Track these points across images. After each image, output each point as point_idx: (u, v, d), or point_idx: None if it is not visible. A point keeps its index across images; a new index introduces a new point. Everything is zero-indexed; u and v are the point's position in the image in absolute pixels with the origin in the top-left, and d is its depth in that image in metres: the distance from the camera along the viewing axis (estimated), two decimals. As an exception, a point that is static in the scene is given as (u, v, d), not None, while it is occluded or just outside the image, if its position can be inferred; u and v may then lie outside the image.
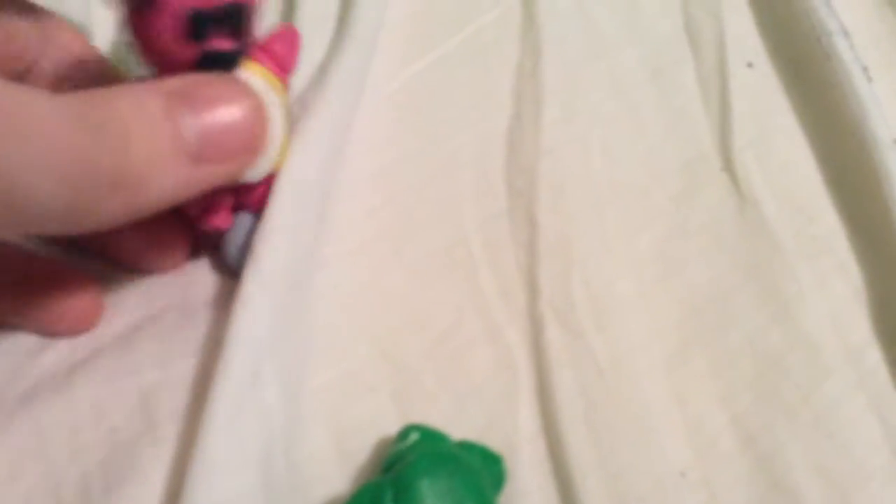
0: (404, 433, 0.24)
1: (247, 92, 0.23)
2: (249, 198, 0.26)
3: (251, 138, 0.23)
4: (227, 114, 0.22)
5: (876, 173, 0.29)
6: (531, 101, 0.33)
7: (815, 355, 0.27)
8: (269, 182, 0.26)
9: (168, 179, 0.20)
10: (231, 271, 0.27)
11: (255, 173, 0.24)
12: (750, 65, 0.34)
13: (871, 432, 0.26)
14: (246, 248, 0.26)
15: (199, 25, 0.21)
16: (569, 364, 0.26)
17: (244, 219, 0.27)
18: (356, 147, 0.31)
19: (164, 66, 0.22)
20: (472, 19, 0.36)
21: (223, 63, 0.22)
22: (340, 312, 0.28)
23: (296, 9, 0.33)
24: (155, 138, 0.20)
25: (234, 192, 0.26)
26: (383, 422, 0.26)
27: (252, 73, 0.24)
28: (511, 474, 0.25)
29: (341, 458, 0.25)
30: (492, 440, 0.25)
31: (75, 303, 0.26)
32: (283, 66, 0.25)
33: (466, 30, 0.35)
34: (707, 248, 0.30)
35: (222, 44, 0.22)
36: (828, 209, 0.30)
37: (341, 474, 0.25)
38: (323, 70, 0.30)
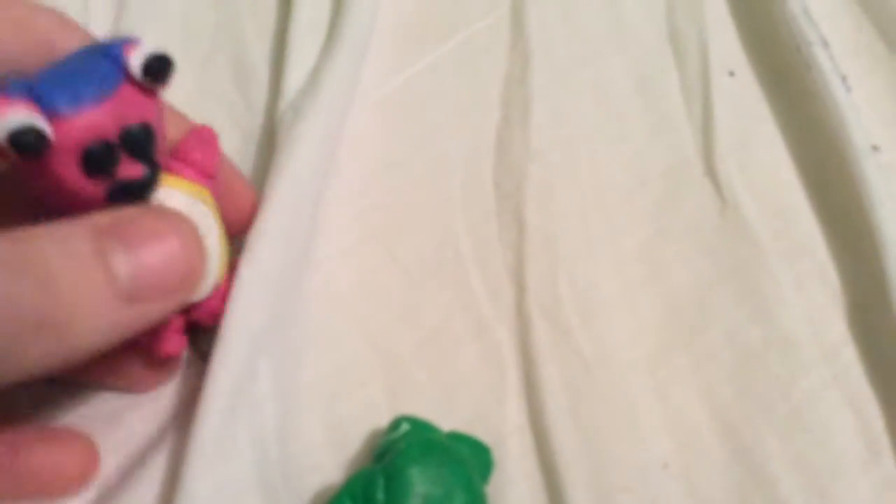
0: (395, 424, 0.25)
1: (179, 221, 0.21)
2: (201, 313, 0.25)
3: (189, 271, 0.21)
4: (162, 249, 0.20)
5: (853, 179, 0.30)
6: (520, 107, 0.34)
7: (793, 352, 0.28)
8: (219, 293, 0.25)
9: (99, 321, 0.19)
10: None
11: (199, 294, 0.23)
12: (732, 73, 0.35)
13: (847, 425, 0.27)
14: None
15: (100, 160, 0.19)
16: (555, 359, 0.27)
17: None
18: (347, 150, 0.32)
19: (73, 207, 0.20)
20: (463, 27, 0.36)
21: (137, 190, 0.21)
22: (333, 310, 0.29)
23: (290, 15, 0.34)
24: (84, 279, 0.19)
25: (183, 312, 0.24)
26: (375, 414, 0.27)
27: (173, 189, 0.22)
28: (498, 464, 0.26)
29: (334, 448, 0.26)
30: (480, 432, 0.26)
31: (72, 459, 0.24)
32: (204, 172, 0.24)
33: (457, 37, 0.36)
34: (689, 250, 0.31)
35: (131, 171, 0.20)
36: (807, 213, 0.31)
37: (334, 464, 0.26)
38: (315, 75, 0.31)
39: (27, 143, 0.18)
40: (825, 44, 0.34)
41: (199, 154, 0.24)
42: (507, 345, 0.28)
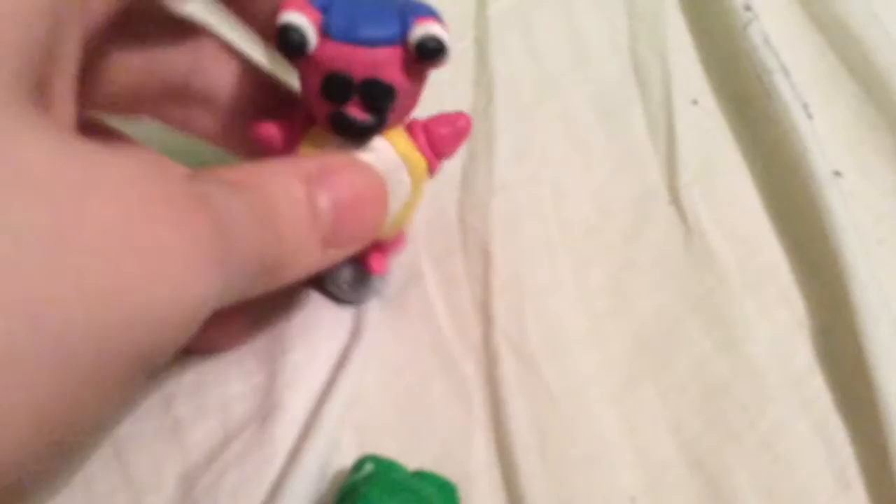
0: (359, 464, 0.24)
1: (373, 175, 0.23)
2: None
3: (375, 220, 0.24)
4: (358, 207, 0.23)
5: (816, 206, 0.30)
6: (484, 141, 0.34)
7: (760, 381, 0.28)
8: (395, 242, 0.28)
9: (308, 260, 0.22)
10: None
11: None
12: (695, 102, 0.36)
13: (815, 454, 0.27)
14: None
15: (332, 89, 0.22)
16: (522, 394, 0.27)
17: None
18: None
19: (310, 106, 0.24)
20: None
21: (353, 130, 0.23)
22: (300, 346, 0.29)
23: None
24: (300, 223, 0.21)
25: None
26: (340, 453, 0.27)
27: (392, 146, 0.24)
28: (466, 502, 0.25)
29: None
30: (448, 469, 0.25)
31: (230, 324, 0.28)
32: (436, 149, 0.25)
33: (422, 72, 0.36)
34: (655, 281, 0.31)
35: (356, 112, 0.23)
36: (771, 241, 0.31)
37: (298, 505, 0.25)
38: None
39: (289, 40, 0.21)
40: (786, 72, 0.34)
41: (445, 131, 0.25)
42: (474, 380, 0.28)
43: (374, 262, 0.27)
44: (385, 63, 0.22)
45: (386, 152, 0.24)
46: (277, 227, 0.20)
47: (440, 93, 0.35)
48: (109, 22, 0.19)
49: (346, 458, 0.26)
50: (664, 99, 0.36)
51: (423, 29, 0.21)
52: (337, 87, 0.22)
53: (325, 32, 0.21)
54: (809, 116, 0.33)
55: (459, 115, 0.26)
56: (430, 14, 0.22)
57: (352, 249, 0.23)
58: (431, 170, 0.26)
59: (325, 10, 0.21)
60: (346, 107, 0.22)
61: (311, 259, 0.22)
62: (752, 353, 0.29)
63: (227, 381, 0.27)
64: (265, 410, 0.27)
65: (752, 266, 0.31)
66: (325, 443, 0.26)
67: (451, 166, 0.33)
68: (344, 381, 0.27)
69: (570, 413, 0.27)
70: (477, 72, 0.36)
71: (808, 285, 0.30)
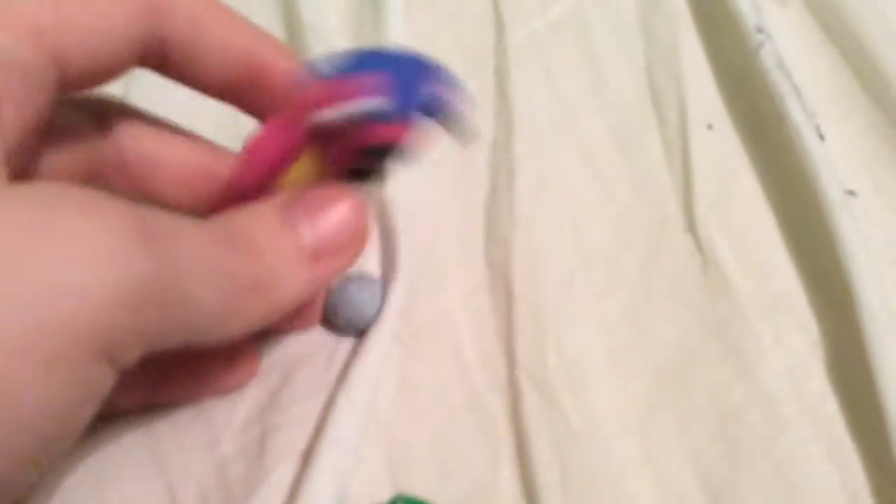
0: (393, 502, 0.26)
1: (347, 192, 0.25)
2: None
3: (359, 231, 0.25)
4: (335, 214, 0.24)
5: (828, 232, 0.31)
6: (505, 175, 0.35)
7: (774, 408, 0.29)
8: None
9: (295, 279, 0.23)
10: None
11: None
12: (710, 126, 0.36)
13: (829, 480, 0.28)
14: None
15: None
16: (544, 430, 0.29)
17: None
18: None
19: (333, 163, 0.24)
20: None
21: (374, 177, 0.25)
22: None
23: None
24: (279, 245, 0.23)
25: None
26: (376, 489, 0.28)
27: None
28: (494, 538, 0.27)
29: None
30: (477, 505, 0.27)
31: (239, 364, 0.29)
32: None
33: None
34: (672, 310, 0.32)
35: (366, 162, 0.24)
36: (786, 266, 0.32)
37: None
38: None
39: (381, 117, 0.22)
40: (798, 94, 0.35)
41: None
42: (499, 416, 0.30)
43: None
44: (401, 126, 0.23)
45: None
46: (254, 251, 0.22)
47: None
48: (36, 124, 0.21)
49: (382, 495, 0.28)
50: (680, 124, 0.36)
51: (432, 96, 0.23)
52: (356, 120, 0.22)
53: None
54: (822, 138, 0.34)
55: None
56: (448, 85, 0.23)
57: (346, 260, 0.25)
58: None
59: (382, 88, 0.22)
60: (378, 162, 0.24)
61: (301, 275, 0.23)
62: (767, 381, 0.30)
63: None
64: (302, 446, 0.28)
65: (766, 293, 0.32)
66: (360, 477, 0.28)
67: (475, 201, 0.35)
68: (377, 414, 0.29)
69: (591, 447, 0.28)
70: (497, 104, 0.38)
71: (821, 311, 0.31)
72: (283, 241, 0.23)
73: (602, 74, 0.39)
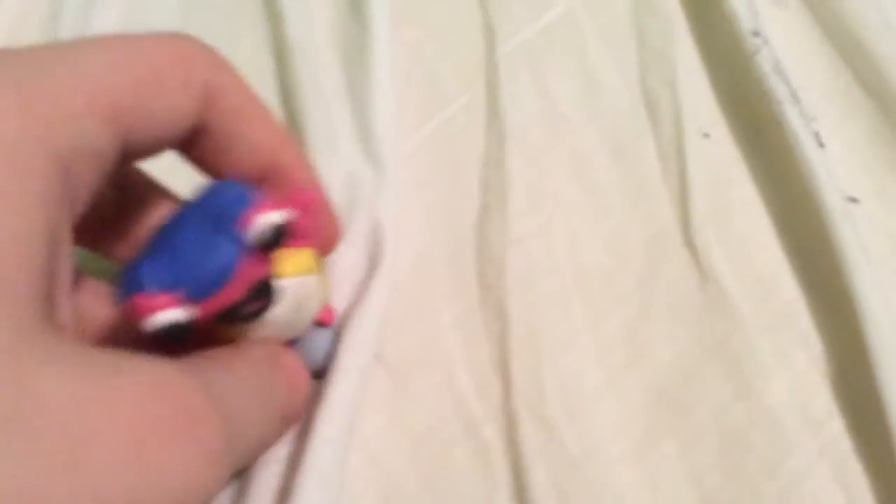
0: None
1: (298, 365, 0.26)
2: None
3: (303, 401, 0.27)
4: (300, 383, 0.26)
5: (829, 242, 0.30)
6: (498, 192, 0.34)
7: (778, 429, 0.28)
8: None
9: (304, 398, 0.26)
10: None
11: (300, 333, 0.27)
12: (706, 135, 0.36)
13: (834, 502, 0.27)
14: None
15: (232, 319, 0.22)
16: (542, 458, 0.28)
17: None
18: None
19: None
20: (440, 109, 0.37)
21: (257, 316, 0.23)
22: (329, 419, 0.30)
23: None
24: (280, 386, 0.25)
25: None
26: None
27: (283, 280, 0.24)
28: (491, 574, 0.26)
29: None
30: (473, 539, 0.26)
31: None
32: (306, 237, 0.25)
33: (435, 120, 0.37)
34: (671, 328, 0.31)
35: (255, 307, 0.23)
36: (787, 279, 0.32)
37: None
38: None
39: (176, 335, 0.21)
40: (796, 100, 0.34)
41: (301, 225, 0.25)
42: (495, 445, 0.29)
43: (324, 315, 0.28)
44: (249, 268, 0.22)
45: (286, 292, 0.24)
46: (284, 391, 0.25)
47: (454, 142, 0.36)
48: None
49: (375, 530, 0.27)
50: (675, 133, 0.36)
51: (255, 229, 0.21)
52: (233, 316, 0.22)
53: (188, 302, 0.21)
54: (821, 145, 0.33)
55: (296, 200, 0.24)
56: (243, 204, 0.21)
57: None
58: (314, 242, 0.26)
59: (162, 275, 0.21)
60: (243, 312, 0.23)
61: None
62: (771, 400, 0.29)
63: None
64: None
65: (768, 307, 0.31)
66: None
67: (466, 220, 0.34)
68: (367, 447, 0.29)
69: (590, 476, 0.28)
70: (488, 118, 0.37)
71: (825, 325, 0.30)
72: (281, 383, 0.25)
73: (595, 83, 0.38)
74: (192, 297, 0.21)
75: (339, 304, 0.30)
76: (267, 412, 0.24)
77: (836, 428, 0.28)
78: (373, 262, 0.31)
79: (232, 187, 0.23)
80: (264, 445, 0.25)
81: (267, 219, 0.21)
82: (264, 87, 0.36)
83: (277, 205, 0.22)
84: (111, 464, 0.16)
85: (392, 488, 0.28)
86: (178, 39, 0.22)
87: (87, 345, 0.18)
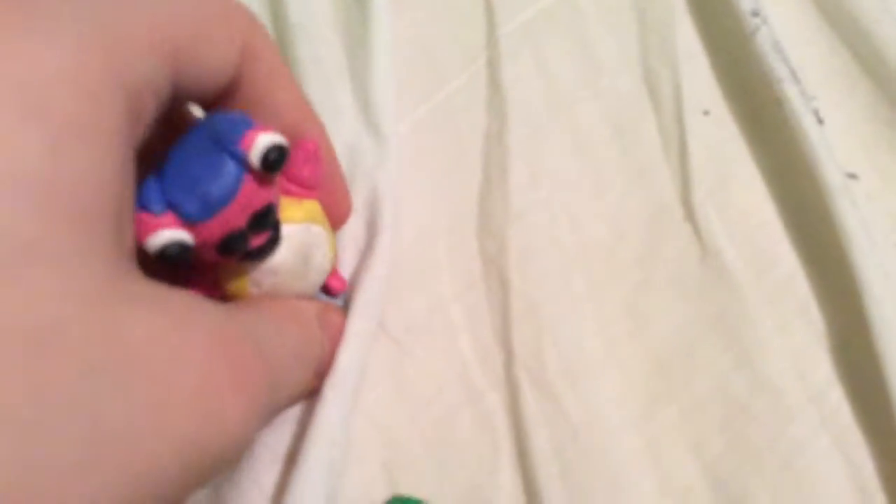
0: (390, 504, 0.26)
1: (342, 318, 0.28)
2: None
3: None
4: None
5: (829, 217, 0.31)
6: (499, 166, 0.34)
7: (779, 398, 0.29)
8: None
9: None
10: None
11: (314, 290, 0.27)
12: (707, 112, 0.36)
13: (837, 472, 0.27)
14: None
15: (233, 247, 0.22)
16: (544, 426, 0.28)
17: None
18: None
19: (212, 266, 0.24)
20: (440, 86, 0.37)
21: (263, 253, 0.24)
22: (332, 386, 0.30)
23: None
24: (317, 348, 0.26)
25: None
26: (372, 490, 0.28)
27: (287, 224, 0.24)
28: (494, 538, 0.26)
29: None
30: (475, 503, 0.26)
31: None
32: (310, 186, 0.26)
33: (436, 97, 0.37)
34: (672, 301, 0.31)
35: (258, 241, 0.23)
36: (787, 253, 0.32)
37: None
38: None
39: (175, 255, 0.21)
40: (795, 79, 0.34)
41: (307, 172, 0.26)
42: (498, 412, 0.29)
43: (335, 281, 0.29)
44: (251, 193, 0.22)
45: (290, 235, 0.24)
46: (327, 338, 0.26)
47: (455, 119, 0.36)
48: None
49: (378, 495, 0.27)
50: (676, 111, 0.36)
51: (256, 148, 0.21)
52: (234, 243, 0.22)
53: (189, 222, 0.21)
54: (820, 122, 0.33)
55: (301, 147, 0.25)
56: (246, 125, 0.22)
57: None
58: (320, 198, 0.26)
59: (165, 203, 0.21)
60: (246, 248, 0.23)
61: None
62: (772, 370, 0.29)
63: None
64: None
65: (768, 280, 0.31)
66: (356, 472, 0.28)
67: (468, 194, 0.34)
68: (371, 414, 0.29)
69: (591, 442, 0.28)
70: (489, 95, 0.37)
71: (826, 298, 0.30)
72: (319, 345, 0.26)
73: (596, 62, 0.38)
74: (196, 217, 0.21)
75: (345, 271, 0.30)
76: (304, 367, 0.25)
77: (836, 397, 0.29)
78: (373, 231, 0.31)
79: (235, 113, 0.23)
80: (297, 398, 0.26)
81: (269, 138, 0.21)
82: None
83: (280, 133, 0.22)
84: (183, 408, 0.18)
85: (395, 453, 0.28)
86: None
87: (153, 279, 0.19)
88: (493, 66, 0.38)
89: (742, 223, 0.33)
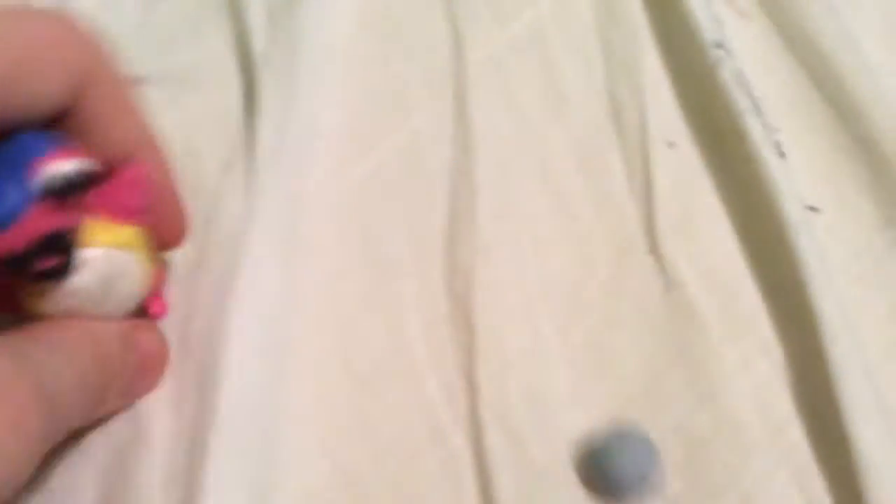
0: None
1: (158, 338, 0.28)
2: None
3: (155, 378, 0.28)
4: (154, 363, 0.28)
5: (789, 251, 0.31)
6: (466, 201, 0.34)
7: (740, 435, 0.29)
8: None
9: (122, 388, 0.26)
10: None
11: (118, 313, 0.26)
12: (671, 144, 0.36)
13: (794, 507, 0.28)
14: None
15: (13, 270, 0.22)
16: (508, 468, 0.28)
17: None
18: (300, 259, 0.33)
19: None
20: (407, 117, 0.37)
21: (54, 275, 0.23)
22: (296, 425, 0.30)
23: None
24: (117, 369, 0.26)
25: None
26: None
27: (91, 248, 0.24)
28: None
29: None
30: (440, 549, 0.27)
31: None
32: (128, 212, 0.25)
33: (403, 129, 0.37)
34: (637, 336, 0.31)
35: (47, 263, 0.22)
36: (750, 288, 0.32)
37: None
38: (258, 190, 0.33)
39: None
40: (758, 111, 0.35)
41: (124, 198, 0.25)
42: (463, 453, 0.29)
43: (155, 306, 0.29)
44: (39, 216, 0.22)
45: (91, 261, 0.24)
46: (134, 358, 0.26)
47: (422, 152, 0.36)
48: None
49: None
50: (641, 142, 0.36)
51: (38, 179, 0.21)
52: (13, 268, 0.22)
53: None
54: (782, 155, 0.34)
55: (123, 173, 0.25)
56: (41, 151, 0.22)
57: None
58: (142, 221, 0.26)
59: None
60: (33, 269, 0.22)
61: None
62: (734, 406, 0.29)
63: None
64: None
65: (731, 315, 0.31)
66: None
67: (435, 229, 0.34)
68: (334, 455, 0.29)
69: (556, 486, 0.28)
70: (455, 127, 0.37)
71: (786, 333, 0.31)
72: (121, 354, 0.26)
73: (562, 92, 0.38)
74: None
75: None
76: (95, 392, 0.24)
77: (795, 434, 0.29)
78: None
79: (35, 136, 0.23)
80: (86, 421, 0.25)
81: (56, 167, 0.21)
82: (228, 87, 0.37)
83: (80, 156, 0.23)
84: None
85: (359, 497, 0.28)
86: (59, 22, 0.23)
87: None
88: (459, 98, 0.38)
89: (706, 256, 0.33)
